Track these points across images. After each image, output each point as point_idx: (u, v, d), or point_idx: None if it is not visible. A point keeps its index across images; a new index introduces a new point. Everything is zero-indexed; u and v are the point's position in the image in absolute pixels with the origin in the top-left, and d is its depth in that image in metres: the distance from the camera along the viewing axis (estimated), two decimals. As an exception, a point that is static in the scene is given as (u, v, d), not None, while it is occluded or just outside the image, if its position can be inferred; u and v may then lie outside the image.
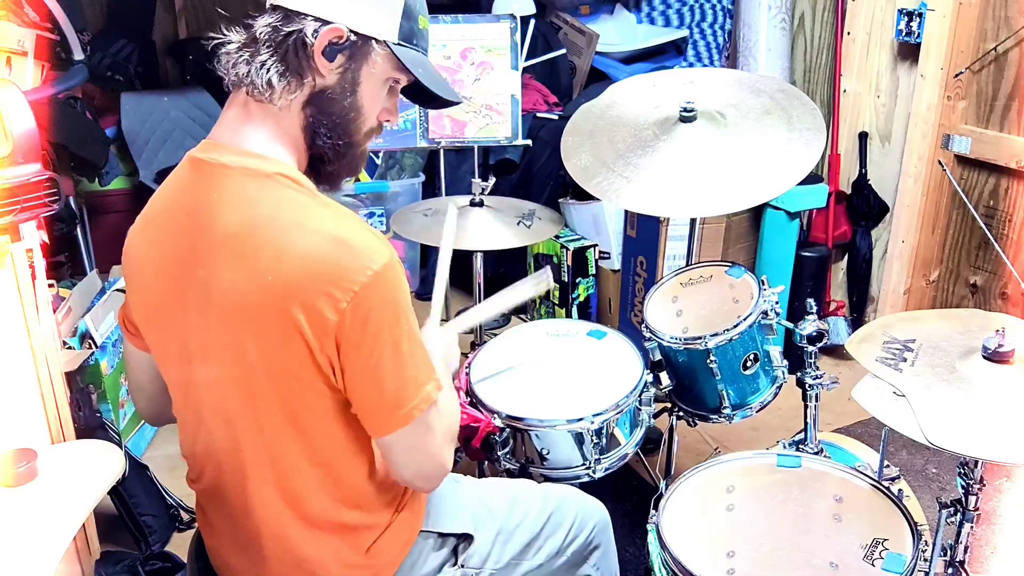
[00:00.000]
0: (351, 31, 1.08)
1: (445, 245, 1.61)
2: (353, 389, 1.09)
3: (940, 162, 2.77)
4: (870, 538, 1.36)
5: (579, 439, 1.68)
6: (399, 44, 1.13)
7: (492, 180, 2.39)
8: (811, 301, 1.80)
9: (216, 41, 1.10)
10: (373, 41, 1.10)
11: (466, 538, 1.34)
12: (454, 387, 1.38)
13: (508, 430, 1.69)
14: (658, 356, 1.90)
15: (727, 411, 1.82)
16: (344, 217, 1.08)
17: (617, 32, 3.62)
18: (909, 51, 2.79)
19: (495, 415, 1.70)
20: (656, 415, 1.87)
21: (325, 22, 1.07)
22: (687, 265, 2.04)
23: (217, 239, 1.07)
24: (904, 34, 2.76)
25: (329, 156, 1.15)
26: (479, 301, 2.63)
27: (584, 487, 1.61)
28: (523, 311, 3.42)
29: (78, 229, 3.00)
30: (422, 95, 1.21)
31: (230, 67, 1.09)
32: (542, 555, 1.40)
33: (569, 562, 1.44)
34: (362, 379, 1.08)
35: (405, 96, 1.23)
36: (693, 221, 2.31)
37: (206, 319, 1.10)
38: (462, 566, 1.32)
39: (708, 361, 1.76)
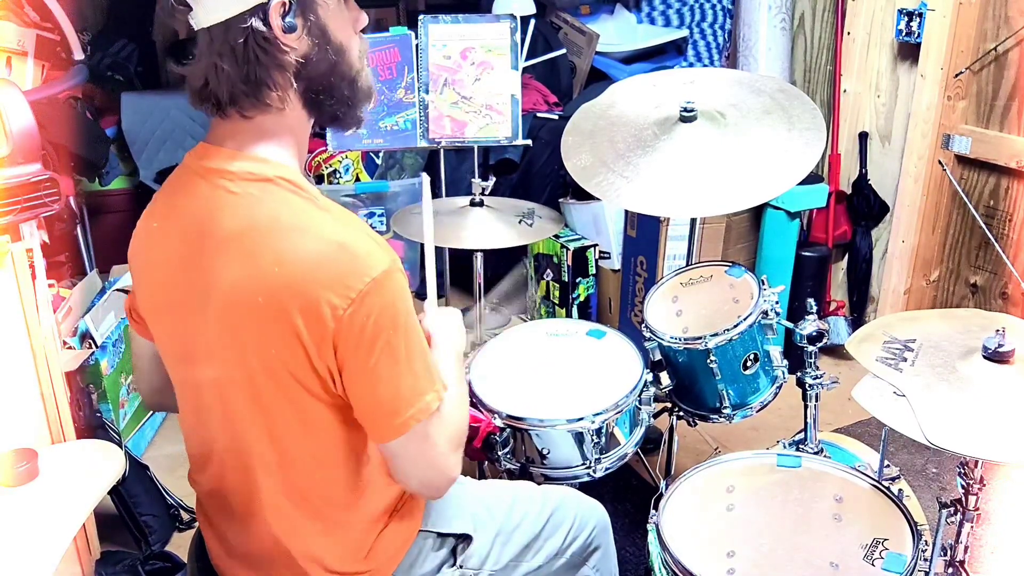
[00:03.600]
0: None
1: (426, 216, 1.53)
2: (352, 395, 1.09)
3: (940, 162, 2.77)
4: (870, 538, 1.36)
5: (579, 439, 1.68)
6: None
7: (492, 180, 2.40)
8: (811, 301, 1.80)
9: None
10: None
11: (465, 539, 1.34)
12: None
13: (508, 430, 1.69)
14: (658, 356, 1.90)
15: (727, 411, 1.83)
16: (345, 222, 1.07)
17: (617, 32, 3.62)
18: (909, 51, 2.79)
19: (495, 415, 1.70)
20: (656, 415, 1.87)
21: (261, 4, 1.00)
22: (687, 265, 2.04)
23: (217, 242, 1.07)
24: (904, 34, 2.75)
25: (342, 110, 1.13)
26: (479, 300, 2.64)
27: (584, 487, 1.61)
28: (523, 311, 3.42)
29: (78, 229, 2.99)
30: None
31: (205, 98, 1.07)
32: (541, 556, 1.40)
33: (568, 563, 1.44)
34: (359, 385, 1.07)
35: None
36: (693, 221, 2.31)
37: (207, 321, 1.10)
38: (461, 567, 1.32)
39: (708, 361, 1.76)
